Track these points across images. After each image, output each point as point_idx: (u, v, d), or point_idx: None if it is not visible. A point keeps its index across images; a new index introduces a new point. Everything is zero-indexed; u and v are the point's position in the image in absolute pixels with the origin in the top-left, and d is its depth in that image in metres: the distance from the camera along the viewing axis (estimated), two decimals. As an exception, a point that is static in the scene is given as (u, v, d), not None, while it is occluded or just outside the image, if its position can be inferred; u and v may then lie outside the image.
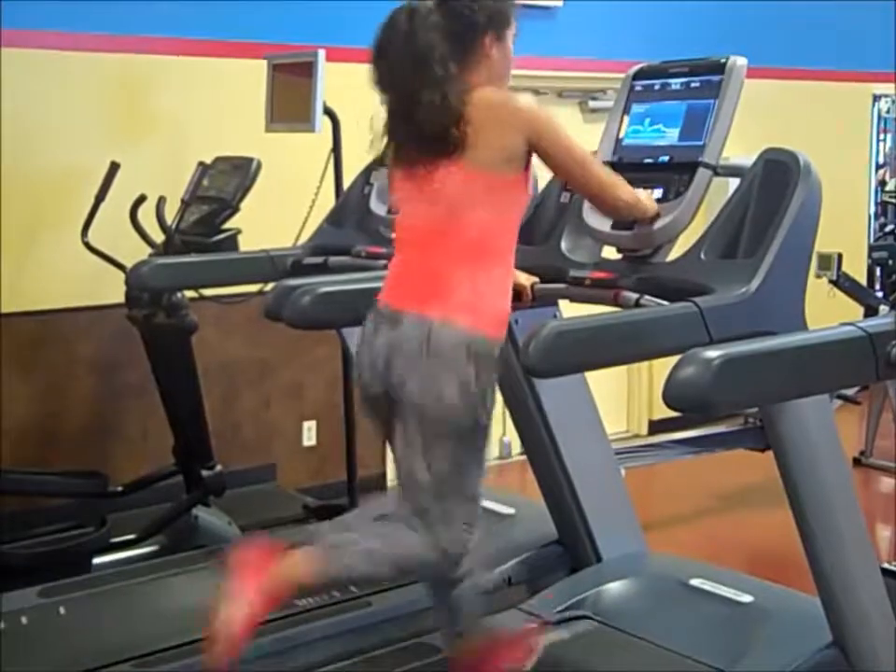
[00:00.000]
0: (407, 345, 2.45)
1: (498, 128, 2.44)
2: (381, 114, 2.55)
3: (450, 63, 2.45)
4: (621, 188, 2.61)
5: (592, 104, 6.09)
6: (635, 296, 2.54)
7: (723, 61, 2.70)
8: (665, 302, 2.48)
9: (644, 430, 6.47)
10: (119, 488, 4.39)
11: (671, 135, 2.77)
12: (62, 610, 3.36)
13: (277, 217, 4.24)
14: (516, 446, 5.75)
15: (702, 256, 2.58)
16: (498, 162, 2.45)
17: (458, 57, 2.48)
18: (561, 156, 2.52)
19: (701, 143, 2.68)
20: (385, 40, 2.51)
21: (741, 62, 2.69)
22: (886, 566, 2.99)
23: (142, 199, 4.21)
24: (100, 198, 4.30)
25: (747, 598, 3.15)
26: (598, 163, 2.67)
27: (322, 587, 2.79)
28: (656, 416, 6.29)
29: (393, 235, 2.71)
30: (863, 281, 6.43)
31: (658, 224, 2.66)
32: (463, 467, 2.49)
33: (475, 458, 2.52)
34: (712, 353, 2.05)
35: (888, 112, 7.74)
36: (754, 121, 5.18)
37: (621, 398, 6.49)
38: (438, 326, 2.43)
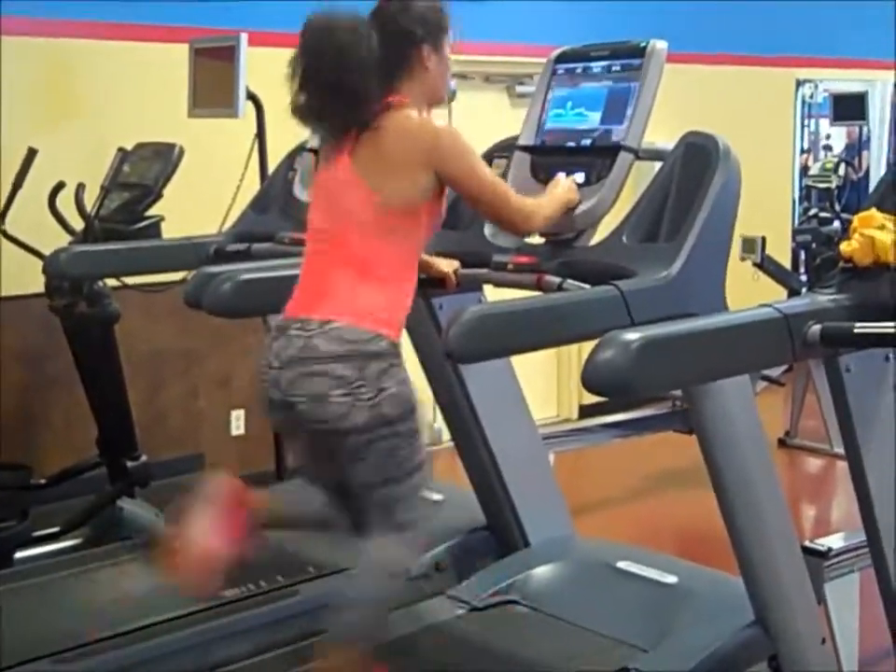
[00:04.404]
0: (289, 353, 2.40)
1: (406, 161, 2.41)
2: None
3: (377, 81, 2.40)
4: (536, 216, 2.57)
5: (519, 88, 6.09)
6: (557, 280, 2.54)
7: (643, 44, 2.71)
8: (587, 286, 2.48)
9: (574, 415, 6.50)
10: (42, 480, 4.30)
11: (593, 119, 2.77)
12: (-19, 606, 3.29)
13: (202, 203, 4.18)
14: (446, 433, 5.73)
15: (624, 239, 2.59)
16: (403, 195, 2.42)
17: (392, 71, 2.44)
18: (474, 189, 2.49)
19: (622, 126, 2.69)
20: (313, 48, 2.40)
21: (661, 45, 2.70)
22: (807, 544, 3.03)
23: (61, 185, 4.12)
24: (17, 185, 4.20)
25: (671, 579, 3.17)
26: (512, 193, 2.58)
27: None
28: (586, 401, 6.31)
29: None
30: (788, 265, 6.52)
31: (580, 208, 2.66)
32: (396, 471, 2.48)
33: (404, 461, 2.49)
34: (631, 335, 2.05)
35: (811, 97, 7.85)
36: (680, 107, 5.23)
37: (550, 382, 6.51)
38: (317, 328, 2.39)
